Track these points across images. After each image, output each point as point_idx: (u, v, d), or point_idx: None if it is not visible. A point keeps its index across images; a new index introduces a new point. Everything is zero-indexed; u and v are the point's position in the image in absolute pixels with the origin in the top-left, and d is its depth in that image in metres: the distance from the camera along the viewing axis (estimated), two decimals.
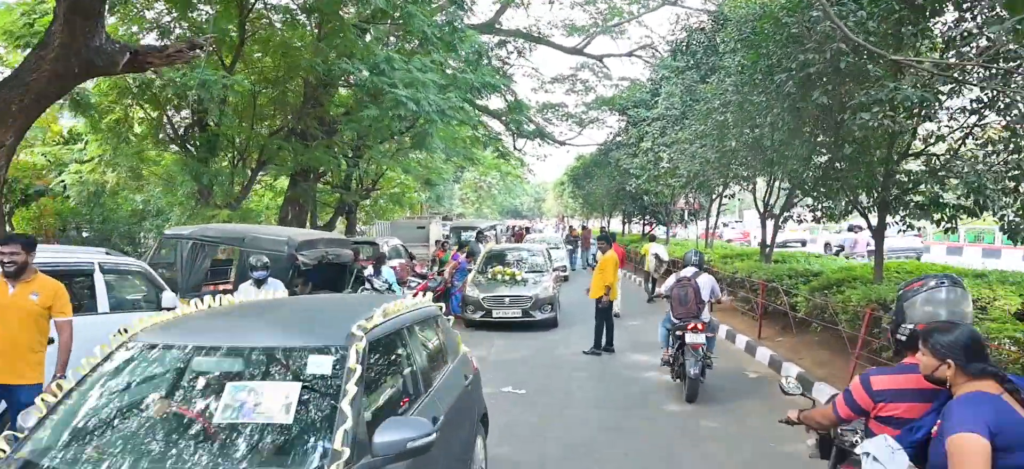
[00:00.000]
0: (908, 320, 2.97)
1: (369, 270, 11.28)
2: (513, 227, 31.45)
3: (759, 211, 13.31)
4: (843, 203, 9.43)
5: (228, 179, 15.40)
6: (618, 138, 26.67)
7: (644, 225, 26.88)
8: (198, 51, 9.12)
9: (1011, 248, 24.04)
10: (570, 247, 23.17)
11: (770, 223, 13.23)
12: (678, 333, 7.49)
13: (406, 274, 13.45)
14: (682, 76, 14.66)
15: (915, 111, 7.11)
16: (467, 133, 24.63)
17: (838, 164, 8.29)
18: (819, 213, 10.30)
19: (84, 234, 19.31)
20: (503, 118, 27.08)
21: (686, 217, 22.93)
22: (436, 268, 14.59)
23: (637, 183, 21.20)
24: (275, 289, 7.38)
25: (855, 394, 2.93)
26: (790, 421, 3.41)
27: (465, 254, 14.12)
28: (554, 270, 13.70)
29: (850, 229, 26.43)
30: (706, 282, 7.68)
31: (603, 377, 8.77)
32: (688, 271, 7.74)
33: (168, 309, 7.51)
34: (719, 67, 12.50)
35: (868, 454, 2.57)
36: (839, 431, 3.17)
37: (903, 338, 2.96)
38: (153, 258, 9.93)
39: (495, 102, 28.73)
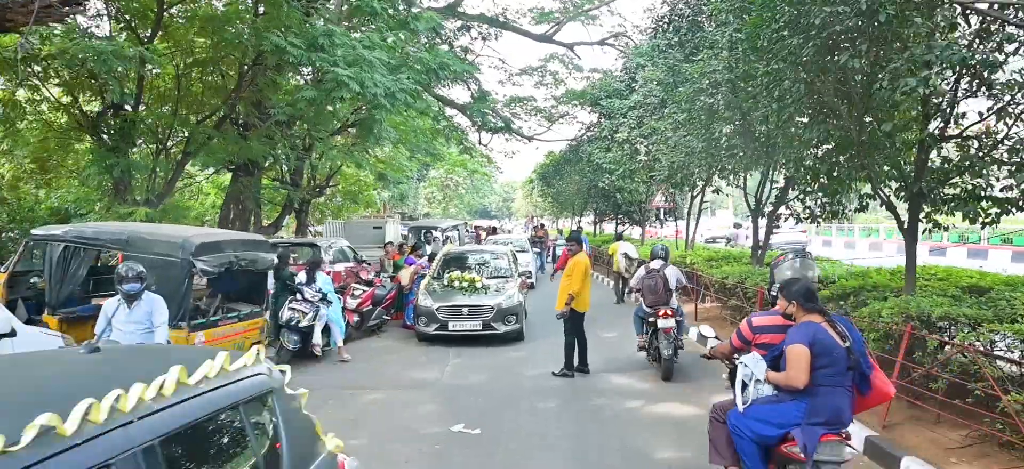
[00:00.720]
0: (776, 280, 4.99)
1: (302, 276, 9.54)
2: (476, 228, 29.82)
3: (749, 207, 11.89)
4: (857, 198, 7.98)
5: (148, 172, 13.45)
6: (589, 132, 25.22)
7: (617, 225, 25.56)
8: (73, 8, 7.31)
9: (999, 248, 23.37)
10: (537, 249, 21.60)
11: (763, 221, 11.82)
12: (651, 320, 8.33)
13: (351, 279, 11.69)
14: (664, 55, 13.20)
15: (971, 73, 5.66)
16: (426, 124, 22.95)
17: (849, 153, 6.83)
18: (817, 211, 8.79)
19: None
20: (468, 112, 25.40)
21: (663, 216, 21.54)
22: (387, 274, 12.85)
23: (610, 179, 19.76)
24: (151, 307, 5.65)
25: (743, 330, 4.36)
26: (707, 356, 4.90)
27: (426, 257, 12.45)
28: (520, 275, 12.09)
29: (735, 225, 27.97)
30: (672, 273, 8.61)
31: (577, 410, 7.16)
32: (656, 264, 8.59)
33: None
34: (707, 44, 11.02)
35: (743, 362, 4.21)
36: (735, 358, 4.44)
37: (774, 293, 4.54)
38: (18, 265, 8.01)
39: (460, 93, 27.10)
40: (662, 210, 20.06)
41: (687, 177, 12.56)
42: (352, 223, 22.45)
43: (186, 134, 13.48)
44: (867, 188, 7.60)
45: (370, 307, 11.25)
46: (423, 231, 17.48)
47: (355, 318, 10.98)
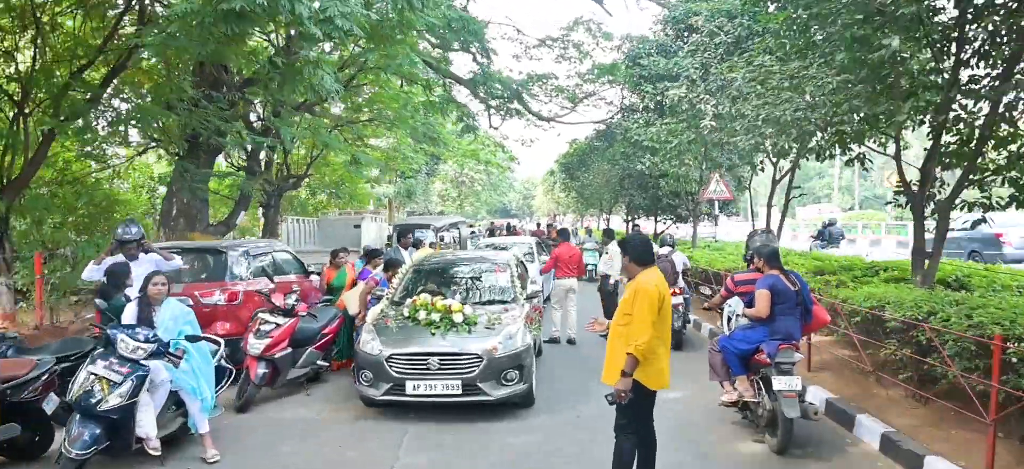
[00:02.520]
0: (751, 248, 6.94)
1: (158, 307, 5.31)
2: (493, 224, 25.57)
3: (905, 196, 7.35)
4: None
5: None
6: (623, 106, 20.73)
7: (656, 223, 21.13)
8: None
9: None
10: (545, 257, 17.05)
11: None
12: None
13: (264, 305, 7.36)
14: None
15: None
16: (417, 96, 18.72)
17: None
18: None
19: None
20: (472, 86, 21.08)
21: (716, 210, 16.97)
22: (328, 299, 8.53)
23: (651, 162, 15.36)
24: None
25: (728, 284, 6.30)
26: (706, 308, 7.15)
27: (390, 271, 8.17)
28: (528, 300, 7.68)
29: (826, 225, 24.69)
30: (679, 258, 9.71)
31: None
32: (664, 250, 9.53)
33: None
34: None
35: (729, 304, 6.76)
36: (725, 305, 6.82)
37: (749, 257, 6.59)
38: None
39: (462, 65, 22.59)
40: (716, 202, 15.48)
41: (803, 138, 7.98)
42: (328, 220, 18.24)
43: (54, 92, 9.37)
44: None
45: (286, 351, 7.00)
46: (410, 231, 13.41)
47: (260, 370, 6.75)
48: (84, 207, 12.09)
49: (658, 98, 13.84)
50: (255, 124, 14.14)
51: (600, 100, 26.12)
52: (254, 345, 6.78)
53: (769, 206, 12.24)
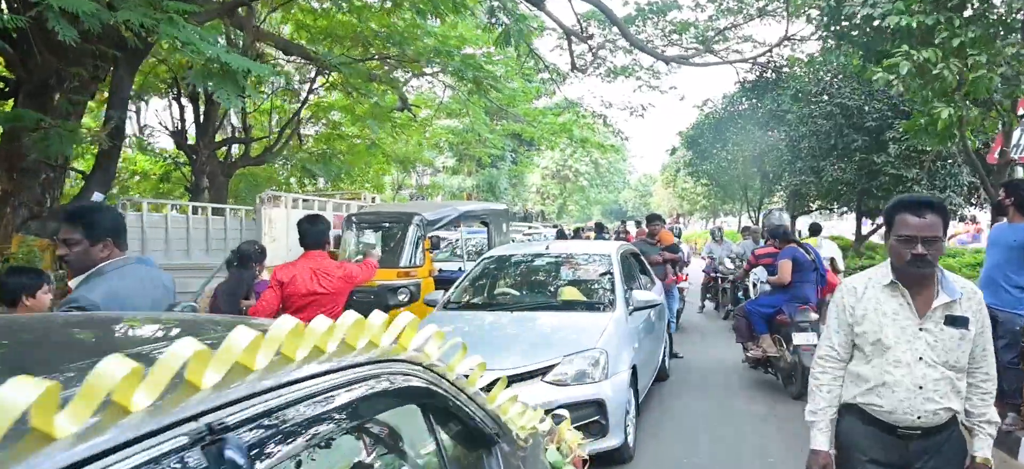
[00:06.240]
0: (766, 228, 8.01)
1: None
2: (560, 229, 18.17)
3: None
4: None
5: None
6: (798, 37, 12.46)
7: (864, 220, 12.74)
8: None
9: None
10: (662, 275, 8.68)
11: None
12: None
13: None
14: None
15: None
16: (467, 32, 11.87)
17: None
18: None
19: None
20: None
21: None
22: None
23: (894, 97, 7.31)
24: None
25: (750, 258, 7.55)
26: (734, 280, 9.56)
27: None
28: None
29: None
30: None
31: None
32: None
33: None
34: None
35: (755, 272, 8.18)
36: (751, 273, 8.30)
37: (766, 236, 7.57)
38: None
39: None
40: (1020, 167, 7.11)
41: None
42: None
43: None
44: None
45: None
46: (367, 226, 6.60)
47: None
48: None
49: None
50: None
51: (743, 41, 17.88)
52: None
53: None
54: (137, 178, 12.74)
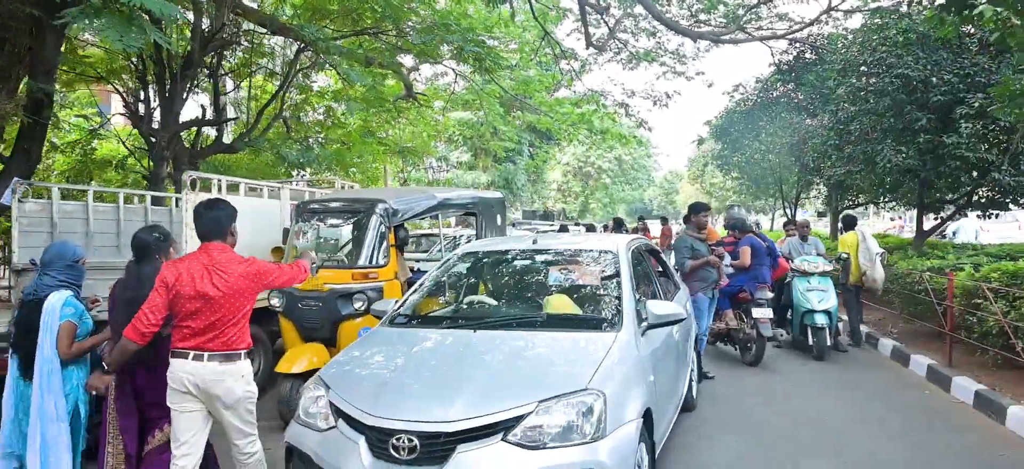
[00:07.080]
0: (728, 221, 8.82)
1: None
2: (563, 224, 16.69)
3: None
4: None
5: None
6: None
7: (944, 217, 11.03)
8: None
9: None
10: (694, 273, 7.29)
11: None
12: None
13: None
14: None
15: None
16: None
17: None
18: None
19: None
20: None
21: None
22: None
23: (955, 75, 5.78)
24: None
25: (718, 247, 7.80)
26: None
27: None
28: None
29: None
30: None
31: None
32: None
33: None
34: None
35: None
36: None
37: (728, 227, 8.22)
38: None
39: None
40: None
41: None
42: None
43: None
44: None
45: None
46: (316, 216, 5.35)
47: None
48: None
49: None
50: None
51: (777, 19, 16.20)
52: None
53: None
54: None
